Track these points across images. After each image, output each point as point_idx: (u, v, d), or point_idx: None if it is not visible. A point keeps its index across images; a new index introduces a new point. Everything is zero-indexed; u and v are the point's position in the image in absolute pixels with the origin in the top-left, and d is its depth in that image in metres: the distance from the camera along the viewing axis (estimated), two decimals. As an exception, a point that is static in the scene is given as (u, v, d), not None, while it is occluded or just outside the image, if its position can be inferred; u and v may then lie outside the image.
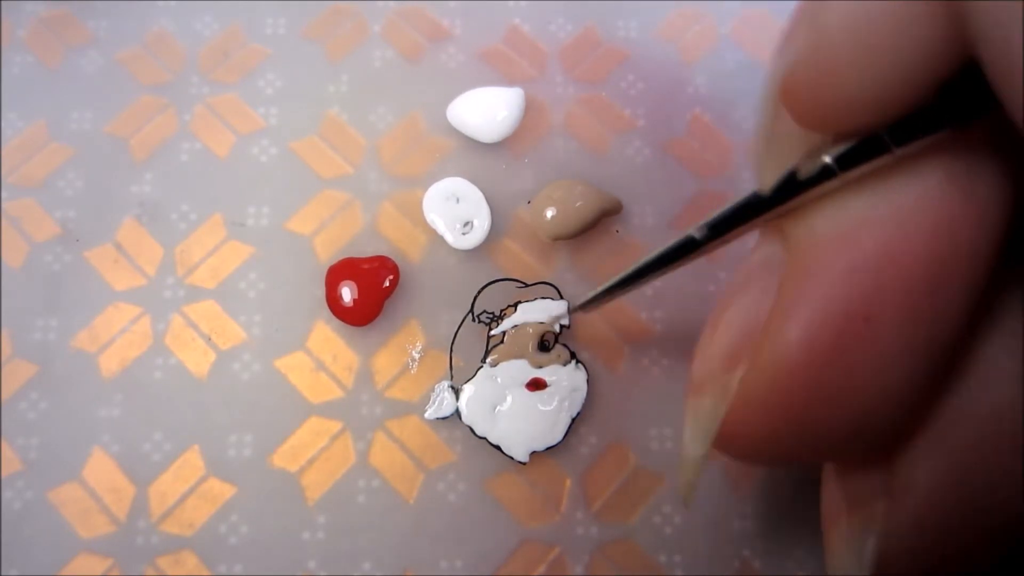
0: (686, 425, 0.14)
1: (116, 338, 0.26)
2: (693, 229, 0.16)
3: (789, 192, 0.12)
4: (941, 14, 0.09)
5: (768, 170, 0.12)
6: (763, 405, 0.12)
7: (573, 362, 0.26)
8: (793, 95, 0.11)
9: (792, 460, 0.13)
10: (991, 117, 0.10)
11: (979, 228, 0.11)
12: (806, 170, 0.12)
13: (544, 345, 0.26)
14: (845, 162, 0.11)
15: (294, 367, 0.26)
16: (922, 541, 0.12)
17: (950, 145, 0.11)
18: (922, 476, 0.12)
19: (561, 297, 0.26)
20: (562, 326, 0.26)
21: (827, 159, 0.11)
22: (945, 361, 0.11)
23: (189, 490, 0.25)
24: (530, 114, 0.29)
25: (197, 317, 0.27)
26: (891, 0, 0.09)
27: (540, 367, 0.25)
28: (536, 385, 0.25)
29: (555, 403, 0.25)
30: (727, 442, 0.13)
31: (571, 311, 0.24)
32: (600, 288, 0.21)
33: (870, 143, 0.11)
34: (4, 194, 0.28)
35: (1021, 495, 0.11)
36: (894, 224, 0.11)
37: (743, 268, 0.13)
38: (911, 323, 0.11)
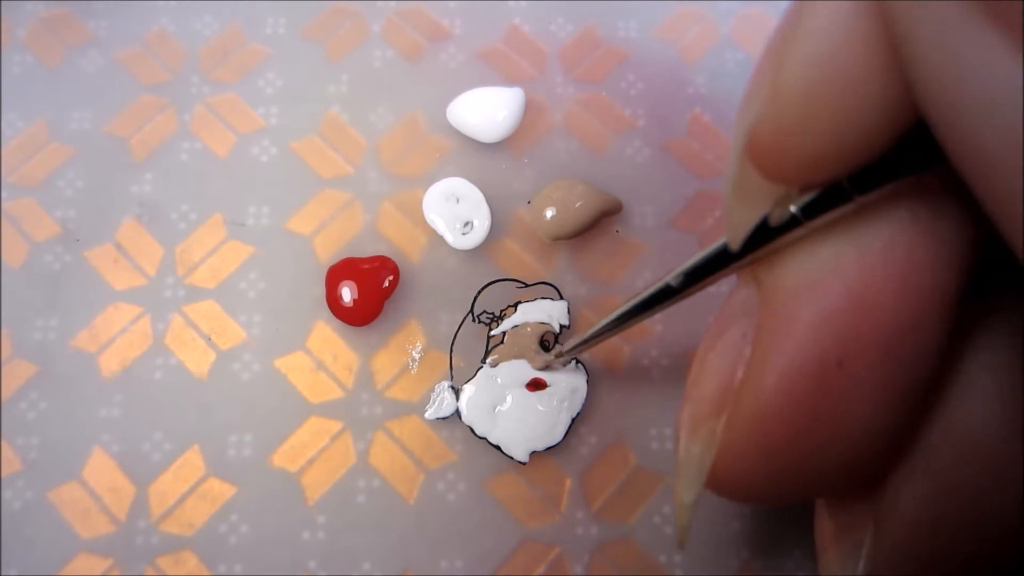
0: (677, 471, 0.14)
1: (116, 338, 0.26)
2: (670, 277, 0.17)
3: (758, 243, 0.13)
4: (890, 76, 0.09)
5: (737, 221, 0.13)
6: (747, 450, 0.12)
7: (573, 362, 0.26)
8: (757, 150, 0.11)
9: (782, 499, 0.13)
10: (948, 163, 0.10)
11: (946, 267, 0.11)
12: (775, 219, 0.12)
13: (544, 345, 0.26)
14: (810, 211, 0.12)
15: (294, 367, 0.26)
16: (909, 565, 0.12)
17: (914, 189, 0.11)
18: (906, 501, 0.12)
19: (561, 297, 0.26)
20: (562, 326, 0.26)
21: (793, 209, 0.12)
22: (921, 395, 0.12)
23: (189, 490, 0.25)
24: (530, 114, 0.29)
25: (197, 317, 0.27)
26: (841, 61, 0.10)
27: (540, 368, 0.26)
28: (536, 385, 0.25)
29: (555, 403, 0.25)
30: (717, 486, 0.13)
31: (554, 359, 0.25)
32: (581, 337, 0.22)
33: (833, 192, 0.11)
34: (4, 194, 0.28)
35: (1001, 514, 0.11)
36: (862, 269, 0.11)
37: (723, 311, 0.14)
38: (884, 364, 0.11)
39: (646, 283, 0.27)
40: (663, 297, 0.18)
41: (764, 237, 0.12)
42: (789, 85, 0.10)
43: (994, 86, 0.08)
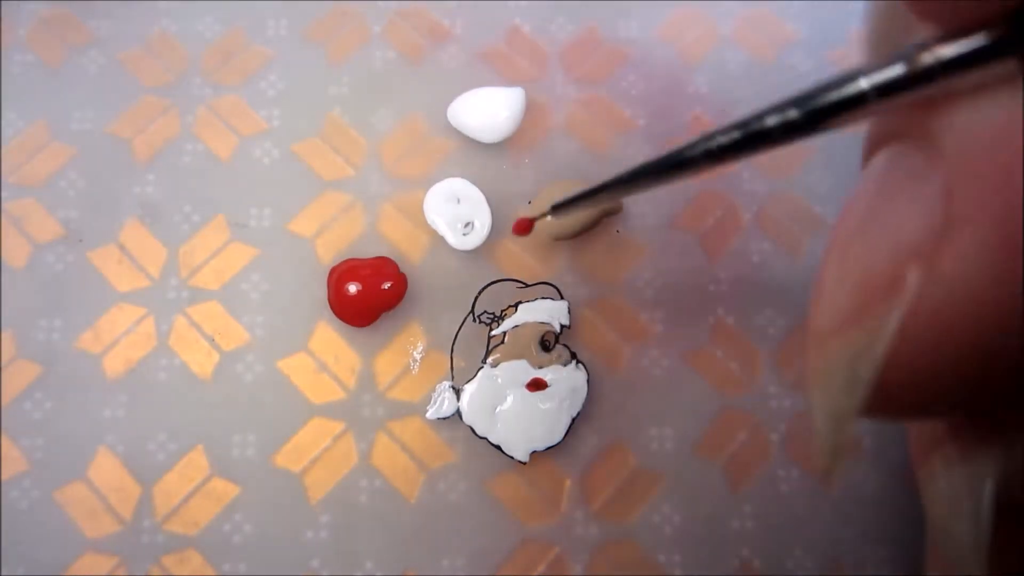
0: (820, 381, 0.11)
1: (120, 339, 0.26)
2: (778, 111, 0.12)
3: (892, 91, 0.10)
4: None
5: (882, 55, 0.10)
6: (938, 342, 0.09)
7: (573, 362, 0.26)
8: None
9: (950, 410, 0.11)
10: None
11: None
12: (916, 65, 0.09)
13: (545, 345, 0.26)
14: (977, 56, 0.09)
15: (297, 368, 0.26)
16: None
17: None
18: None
19: (561, 297, 0.27)
20: (563, 326, 0.26)
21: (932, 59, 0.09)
22: None
23: (193, 490, 0.25)
24: (530, 114, 0.29)
25: (200, 318, 0.27)
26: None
27: (541, 367, 0.26)
28: (536, 385, 0.25)
29: (555, 403, 0.25)
30: (890, 390, 0.10)
31: (554, 209, 0.22)
32: (628, 171, 0.17)
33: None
34: (5, 193, 0.28)
35: None
36: None
37: (864, 188, 0.11)
38: None
39: (646, 283, 0.27)
40: (761, 139, 0.13)
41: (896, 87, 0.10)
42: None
43: None
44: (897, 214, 0.10)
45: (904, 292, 0.10)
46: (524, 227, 0.25)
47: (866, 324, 0.10)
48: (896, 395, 0.10)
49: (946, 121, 0.10)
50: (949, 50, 0.09)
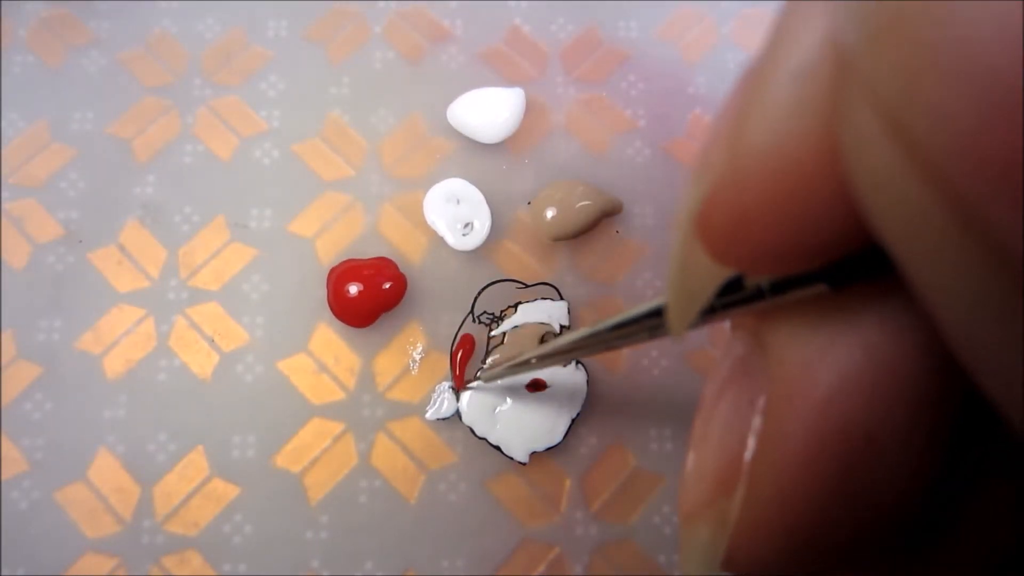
0: (683, 557, 0.13)
1: (120, 339, 0.26)
2: (598, 327, 0.16)
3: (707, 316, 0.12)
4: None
5: (682, 305, 0.12)
6: (768, 530, 0.11)
7: (573, 363, 0.26)
8: (707, 229, 0.10)
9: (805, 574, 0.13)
10: None
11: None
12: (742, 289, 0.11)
13: (544, 346, 0.26)
14: (780, 289, 0.11)
15: (296, 369, 0.26)
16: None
17: None
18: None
19: (561, 298, 0.27)
20: (562, 326, 0.26)
21: (762, 284, 0.11)
22: (947, 474, 0.11)
23: (193, 490, 0.25)
24: (531, 115, 0.29)
25: (200, 319, 0.27)
26: (804, 144, 0.09)
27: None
28: (536, 386, 0.25)
29: (555, 404, 0.25)
30: (735, 567, 0.12)
31: (477, 379, 0.26)
32: (510, 362, 0.22)
33: (810, 276, 0.10)
34: (5, 194, 0.28)
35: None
36: (887, 332, 0.10)
37: (717, 375, 0.13)
38: (913, 439, 0.10)
39: (646, 283, 0.27)
40: (585, 342, 0.17)
41: (711, 311, 0.12)
42: (746, 159, 0.09)
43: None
44: (730, 410, 0.12)
45: (735, 492, 0.11)
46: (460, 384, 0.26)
47: (709, 518, 0.12)
48: (748, 570, 0.12)
49: (772, 329, 0.11)
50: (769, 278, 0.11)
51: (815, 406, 0.10)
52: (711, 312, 0.12)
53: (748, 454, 0.11)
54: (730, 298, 0.11)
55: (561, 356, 0.20)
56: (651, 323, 0.15)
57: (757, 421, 0.11)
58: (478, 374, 0.26)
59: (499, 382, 0.25)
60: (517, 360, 0.22)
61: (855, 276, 0.10)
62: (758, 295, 0.11)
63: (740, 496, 0.11)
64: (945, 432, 0.10)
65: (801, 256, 0.10)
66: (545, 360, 0.21)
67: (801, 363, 0.11)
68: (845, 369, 0.10)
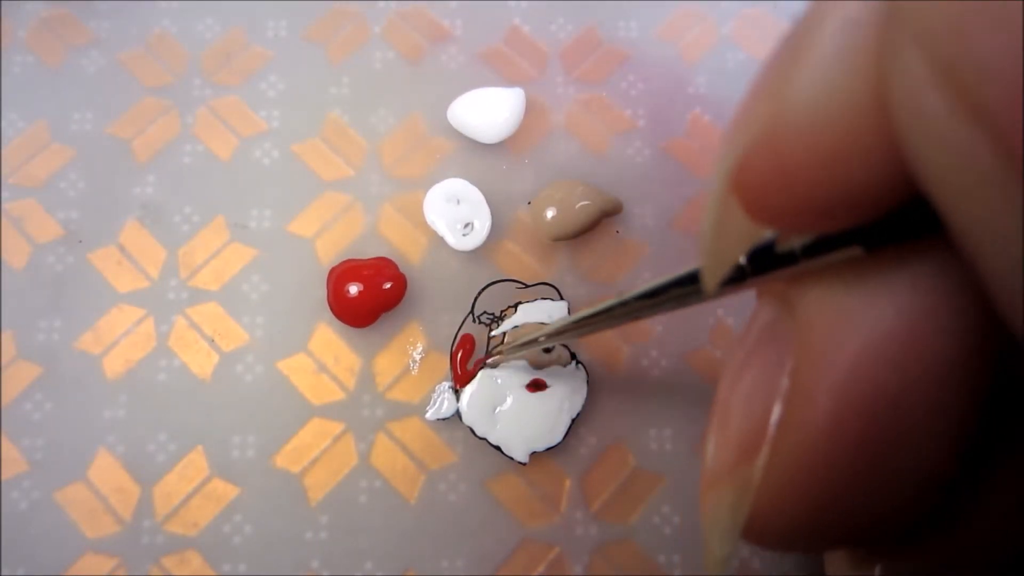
0: (706, 523, 0.12)
1: (120, 340, 0.26)
2: (628, 294, 0.16)
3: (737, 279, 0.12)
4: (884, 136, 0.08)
5: (715, 262, 0.12)
6: (791, 496, 0.11)
7: (573, 363, 0.26)
8: (745, 186, 0.10)
9: (825, 547, 0.12)
10: None
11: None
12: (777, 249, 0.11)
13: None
14: (813, 251, 0.11)
15: (296, 369, 0.26)
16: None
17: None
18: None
19: (561, 298, 0.27)
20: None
21: (795, 246, 0.11)
22: (974, 442, 0.11)
23: (193, 490, 0.25)
24: (530, 115, 0.29)
25: (200, 319, 0.27)
26: (852, 100, 0.09)
27: (540, 368, 0.26)
28: (536, 386, 0.25)
29: (555, 404, 0.25)
30: (756, 535, 0.12)
31: (486, 361, 0.26)
32: (531, 336, 0.22)
33: (845, 237, 0.10)
34: (5, 194, 0.28)
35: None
36: (918, 294, 0.10)
37: (745, 342, 0.13)
38: (942, 403, 0.10)
39: (646, 283, 0.27)
40: (613, 311, 0.17)
41: (743, 275, 0.11)
42: (791, 113, 0.09)
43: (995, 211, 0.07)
44: (756, 376, 0.12)
45: (759, 457, 0.11)
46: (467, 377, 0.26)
47: (733, 483, 0.12)
48: (771, 538, 0.12)
49: (801, 293, 0.11)
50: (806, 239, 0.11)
51: (843, 368, 0.10)
52: (743, 277, 0.11)
53: (774, 418, 0.11)
54: (764, 261, 0.11)
55: (592, 326, 0.19)
56: (680, 291, 0.15)
57: (784, 383, 0.11)
58: (487, 361, 0.26)
59: (509, 366, 0.25)
60: (548, 330, 0.21)
61: (889, 238, 0.10)
62: (791, 258, 0.11)
63: (763, 461, 0.11)
64: (978, 401, 0.10)
65: (839, 212, 0.09)
66: (570, 331, 0.21)
67: (830, 325, 0.10)
68: (875, 332, 0.10)
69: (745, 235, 0.11)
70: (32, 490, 0.25)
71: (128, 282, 0.27)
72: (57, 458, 0.25)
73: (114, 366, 0.26)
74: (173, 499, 0.25)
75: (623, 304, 0.17)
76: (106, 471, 0.25)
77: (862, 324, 0.10)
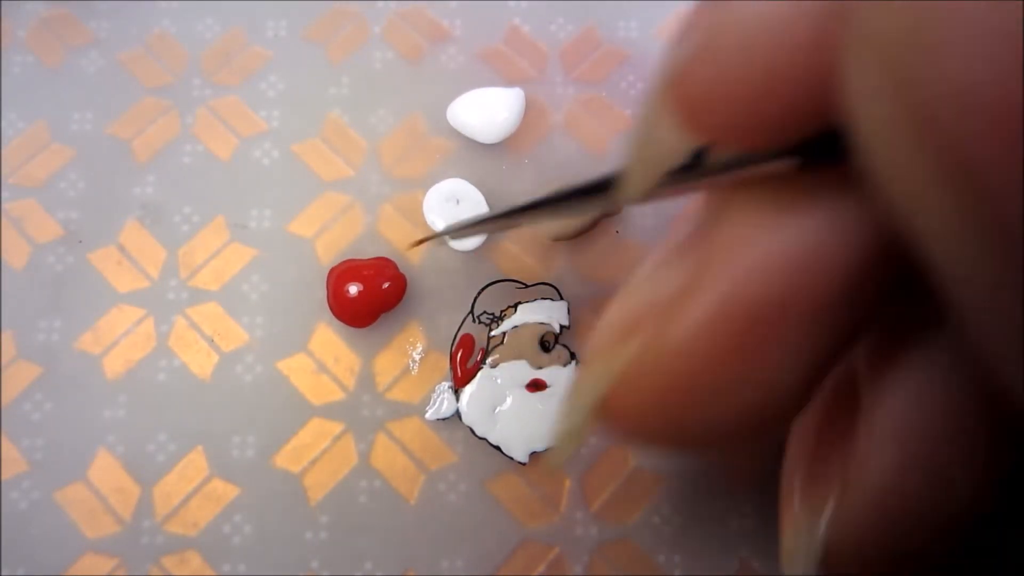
0: (568, 403, 0.13)
1: (120, 340, 0.26)
2: (554, 191, 0.15)
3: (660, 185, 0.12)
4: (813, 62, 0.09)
5: (639, 172, 0.12)
6: (653, 382, 0.11)
7: (573, 363, 0.26)
8: (681, 95, 0.10)
9: (674, 443, 0.13)
10: None
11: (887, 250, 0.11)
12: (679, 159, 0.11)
13: (544, 346, 0.26)
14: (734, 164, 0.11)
15: (296, 369, 0.26)
16: (871, 531, 0.12)
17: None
18: (874, 467, 0.12)
19: (561, 297, 0.27)
20: (562, 327, 0.26)
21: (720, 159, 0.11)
22: (838, 362, 0.11)
23: (193, 490, 0.25)
24: (530, 115, 0.29)
25: (200, 319, 0.27)
26: (788, 22, 0.09)
27: (540, 368, 0.26)
28: (536, 386, 0.25)
29: (555, 404, 0.25)
30: (610, 416, 0.12)
31: (446, 233, 0.23)
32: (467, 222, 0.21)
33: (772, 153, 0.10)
34: (5, 194, 0.28)
35: (962, 492, 0.11)
36: (813, 223, 0.10)
37: (668, 241, 0.13)
38: (815, 325, 0.11)
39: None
40: (532, 207, 0.16)
41: (676, 179, 0.12)
42: (738, 26, 0.09)
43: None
44: (660, 269, 0.12)
45: (632, 342, 0.12)
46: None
47: (603, 359, 0.12)
48: (622, 421, 0.12)
49: (728, 205, 0.12)
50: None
51: (735, 274, 0.11)
52: (671, 182, 0.11)
53: (656, 307, 0.11)
54: (691, 170, 0.11)
55: (510, 220, 0.19)
56: (602, 193, 0.14)
57: (679, 277, 0.11)
58: (487, 360, 0.26)
59: (504, 369, 0.25)
60: (475, 219, 0.21)
61: (814, 159, 0.10)
62: (726, 166, 0.11)
63: (635, 344, 0.11)
64: (849, 334, 0.11)
65: (767, 131, 0.10)
66: (494, 223, 0.20)
67: (737, 234, 0.11)
68: (773, 246, 0.10)
69: (676, 145, 0.11)
70: (32, 490, 0.25)
71: (128, 282, 0.27)
72: (57, 458, 0.25)
73: (114, 366, 0.26)
74: (173, 499, 0.25)
75: (544, 201, 0.16)
76: (106, 471, 0.25)
77: (763, 238, 0.11)
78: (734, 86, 0.10)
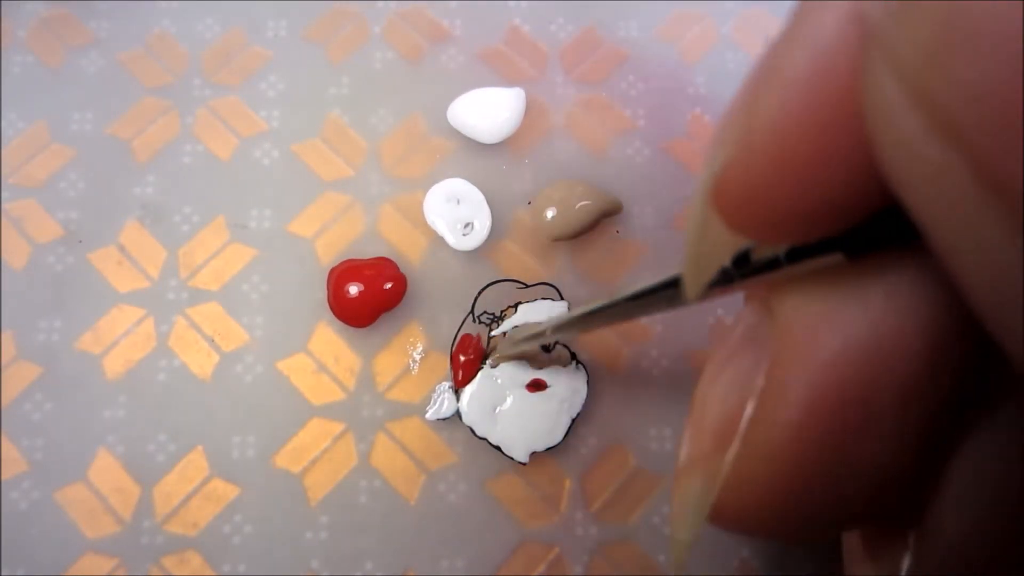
0: (674, 507, 0.13)
1: (120, 340, 0.26)
2: (616, 296, 0.17)
3: (722, 283, 0.12)
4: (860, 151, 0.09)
5: (697, 270, 0.12)
6: (757, 486, 0.12)
7: (573, 363, 0.26)
8: (722, 199, 0.11)
9: (788, 535, 0.13)
10: None
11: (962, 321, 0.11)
12: (756, 257, 0.12)
13: (544, 346, 0.26)
14: (795, 256, 0.11)
15: (296, 369, 0.26)
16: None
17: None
18: (950, 525, 0.12)
19: (561, 298, 0.27)
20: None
21: (779, 253, 0.11)
22: (941, 437, 0.11)
23: (193, 491, 0.25)
24: (530, 115, 0.29)
25: (200, 319, 0.27)
26: (816, 117, 0.09)
27: (540, 368, 0.26)
28: (536, 386, 0.25)
29: (555, 404, 0.25)
30: (722, 521, 0.13)
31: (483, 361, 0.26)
32: (527, 333, 0.23)
33: (824, 245, 0.11)
34: (5, 194, 0.28)
35: None
36: (888, 305, 0.11)
37: (728, 342, 0.13)
38: (906, 405, 0.11)
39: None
40: (598, 311, 0.18)
41: (728, 279, 0.12)
42: (762, 132, 0.10)
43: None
44: (735, 372, 0.12)
45: (730, 449, 0.12)
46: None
47: (703, 471, 0.12)
48: (735, 524, 0.12)
49: (782, 298, 0.12)
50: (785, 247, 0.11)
51: (816, 369, 0.11)
52: (727, 281, 0.12)
53: (747, 413, 0.12)
54: (745, 268, 0.12)
55: (577, 326, 0.20)
56: (668, 294, 0.15)
57: (759, 382, 0.12)
58: (487, 361, 0.26)
59: (504, 369, 0.25)
60: (534, 332, 0.22)
61: (864, 248, 0.10)
62: (771, 265, 0.11)
63: (733, 452, 0.12)
64: (941, 406, 0.11)
65: (811, 224, 0.10)
66: (561, 330, 0.21)
67: (806, 328, 0.11)
68: (848, 336, 0.11)
69: (725, 245, 0.11)
70: (32, 490, 0.25)
71: (128, 282, 0.27)
72: (57, 458, 0.25)
73: (114, 366, 0.26)
74: (173, 499, 0.25)
75: (611, 305, 0.17)
76: (106, 471, 0.25)
77: (836, 329, 0.11)
78: (770, 189, 0.10)
